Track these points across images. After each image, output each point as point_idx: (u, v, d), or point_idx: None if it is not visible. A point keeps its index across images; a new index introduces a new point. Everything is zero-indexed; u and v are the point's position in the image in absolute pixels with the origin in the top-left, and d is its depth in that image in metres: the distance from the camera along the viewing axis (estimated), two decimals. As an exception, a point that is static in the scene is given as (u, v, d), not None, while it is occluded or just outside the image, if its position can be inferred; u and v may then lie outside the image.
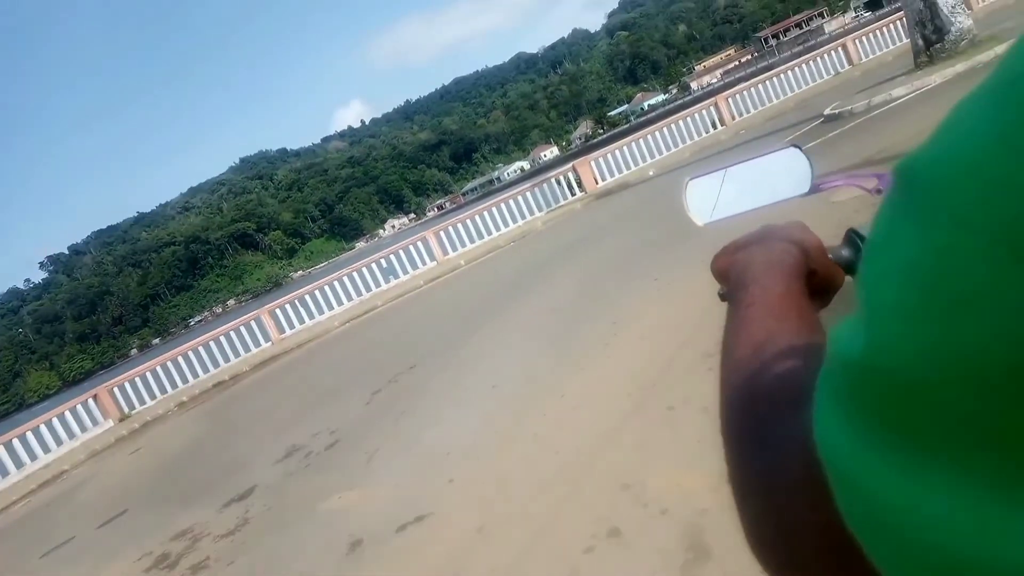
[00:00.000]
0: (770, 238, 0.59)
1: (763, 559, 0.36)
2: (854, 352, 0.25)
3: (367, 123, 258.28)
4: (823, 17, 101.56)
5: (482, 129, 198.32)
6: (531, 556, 2.86)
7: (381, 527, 3.68)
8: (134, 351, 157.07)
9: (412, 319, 12.18)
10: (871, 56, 20.66)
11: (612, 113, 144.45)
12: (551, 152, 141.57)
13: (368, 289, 16.63)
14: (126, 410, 14.55)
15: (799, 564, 0.34)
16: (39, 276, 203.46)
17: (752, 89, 20.47)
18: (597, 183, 18.88)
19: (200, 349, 15.45)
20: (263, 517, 4.76)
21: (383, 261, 17.08)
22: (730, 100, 20.37)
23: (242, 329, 15.74)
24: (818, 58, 20.87)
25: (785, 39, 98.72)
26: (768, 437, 0.37)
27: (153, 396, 14.92)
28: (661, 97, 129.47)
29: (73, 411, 14.08)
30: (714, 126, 20.03)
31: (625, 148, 19.49)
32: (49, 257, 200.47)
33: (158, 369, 15.21)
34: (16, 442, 13.05)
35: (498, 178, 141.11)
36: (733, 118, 20.00)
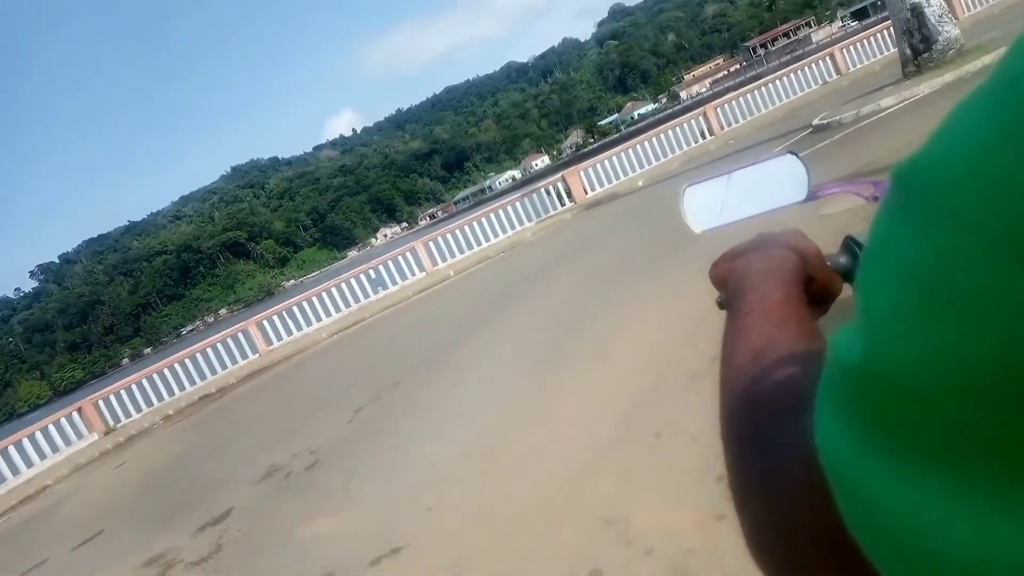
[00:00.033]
0: (768, 245, 0.58)
1: (764, 564, 0.36)
2: (853, 358, 0.25)
3: (359, 132, 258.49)
4: (810, 27, 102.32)
5: (473, 138, 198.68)
6: (509, 595, 2.74)
7: (356, 558, 3.55)
8: (125, 360, 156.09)
9: (399, 332, 12.07)
10: (859, 65, 20.75)
11: (602, 122, 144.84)
12: (542, 161, 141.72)
13: (356, 300, 16.49)
14: (111, 423, 14.35)
15: (800, 567, 0.34)
16: (29, 285, 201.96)
17: (741, 99, 20.51)
18: (586, 193, 18.83)
19: (187, 361, 15.27)
20: (237, 543, 4.63)
21: (372, 272, 16.95)
22: (719, 110, 20.39)
23: (229, 341, 15.58)
24: (806, 68, 20.95)
25: (773, 48, 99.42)
26: (768, 443, 0.37)
27: (139, 409, 14.73)
28: (651, 106, 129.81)
29: (57, 424, 13.88)
30: (703, 136, 20.03)
31: (614, 158, 19.46)
32: (39, 266, 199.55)
33: (144, 382, 15.02)
34: (-2, 457, 12.85)
35: (490, 187, 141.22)
36: (722, 128, 20.01)
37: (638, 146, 19.59)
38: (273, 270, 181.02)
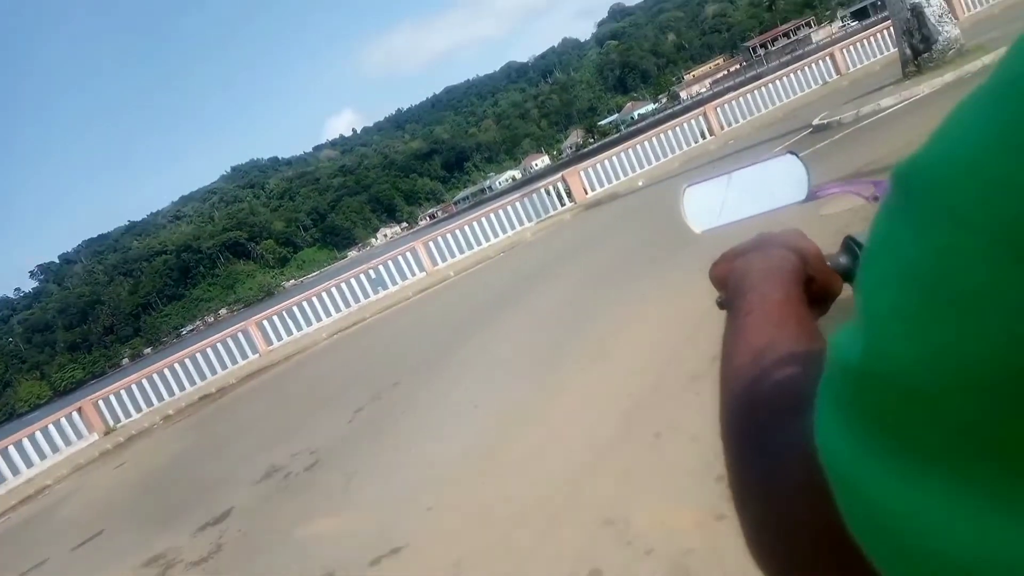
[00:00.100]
0: (768, 245, 0.59)
1: (764, 564, 0.36)
2: (853, 358, 0.25)
3: (358, 132, 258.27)
4: (810, 27, 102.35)
5: (473, 138, 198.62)
6: (508, 595, 2.73)
7: (356, 558, 3.55)
8: (125, 360, 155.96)
9: (399, 332, 12.07)
10: (859, 65, 20.74)
11: (602, 122, 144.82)
12: (542, 161, 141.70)
13: (356, 300, 16.49)
14: (111, 423, 14.34)
15: (800, 567, 0.34)
16: (29, 285, 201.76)
17: (741, 99, 20.50)
18: (586, 193, 18.83)
19: (187, 361, 15.27)
20: (237, 543, 4.63)
21: (372, 272, 16.95)
22: (719, 110, 20.38)
23: (229, 341, 15.58)
24: (806, 68, 20.94)
25: (773, 49, 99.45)
26: (768, 443, 0.37)
27: (139, 409, 14.72)
28: (651, 106, 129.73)
29: (57, 424, 13.87)
30: (703, 136, 20.02)
31: (614, 158, 19.45)
32: (39, 266, 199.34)
33: (144, 382, 15.02)
34: (-2, 457, 12.85)
35: (490, 187, 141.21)
36: (722, 128, 20.01)
37: (638, 146, 19.58)
38: (273, 270, 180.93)
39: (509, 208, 18.24)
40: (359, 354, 11.48)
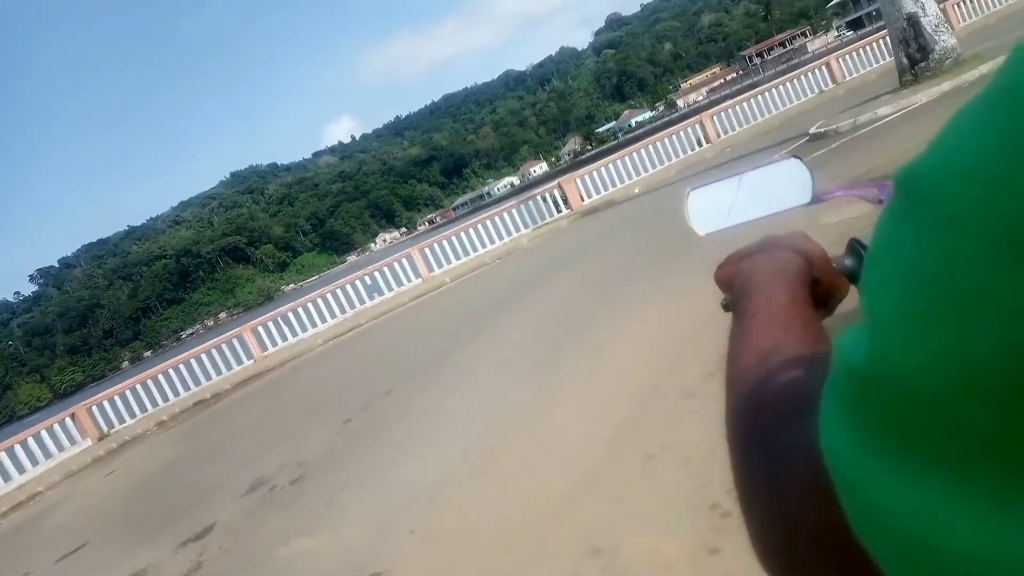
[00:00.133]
0: (773, 247, 0.59)
1: (768, 564, 0.37)
2: (858, 360, 0.25)
3: (357, 138, 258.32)
4: (806, 36, 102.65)
5: (472, 145, 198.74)
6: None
7: (337, 579, 3.47)
8: (125, 364, 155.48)
9: (394, 339, 12.02)
10: (855, 74, 20.78)
11: (600, 130, 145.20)
12: (540, 168, 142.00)
13: (352, 306, 16.44)
14: (105, 429, 14.26)
15: (805, 568, 0.34)
16: (29, 289, 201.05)
17: (737, 107, 20.51)
18: (583, 200, 18.80)
19: (181, 367, 15.21)
20: (217, 561, 4.55)
21: (367, 278, 16.91)
22: (715, 118, 20.40)
23: (224, 347, 15.53)
24: (802, 76, 20.97)
25: (769, 57, 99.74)
26: (774, 445, 0.38)
27: (133, 415, 14.66)
28: (648, 114, 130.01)
29: (50, 430, 13.81)
30: (699, 144, 20.02)
31: (611, 165, 19.44)
32: (39, 270, 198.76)
33: (139, 387, 14.96)
34: (-10, 463, 12.77)
35: (488, 193, 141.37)
36: (718, 136, 20.01)
37: (635, 153, 19.57)
38: (273, 274, 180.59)
39: (505, 215, 18.21)
40: (353, 361, 11.43)
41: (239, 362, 15.49)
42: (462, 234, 17.74)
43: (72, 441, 13.95)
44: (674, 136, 19.90)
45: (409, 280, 16.99)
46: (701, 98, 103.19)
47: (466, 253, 17.55)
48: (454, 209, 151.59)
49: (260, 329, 15.97)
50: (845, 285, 0.59)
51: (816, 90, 20.59)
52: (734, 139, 19.19)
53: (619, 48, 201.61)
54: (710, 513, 2.58)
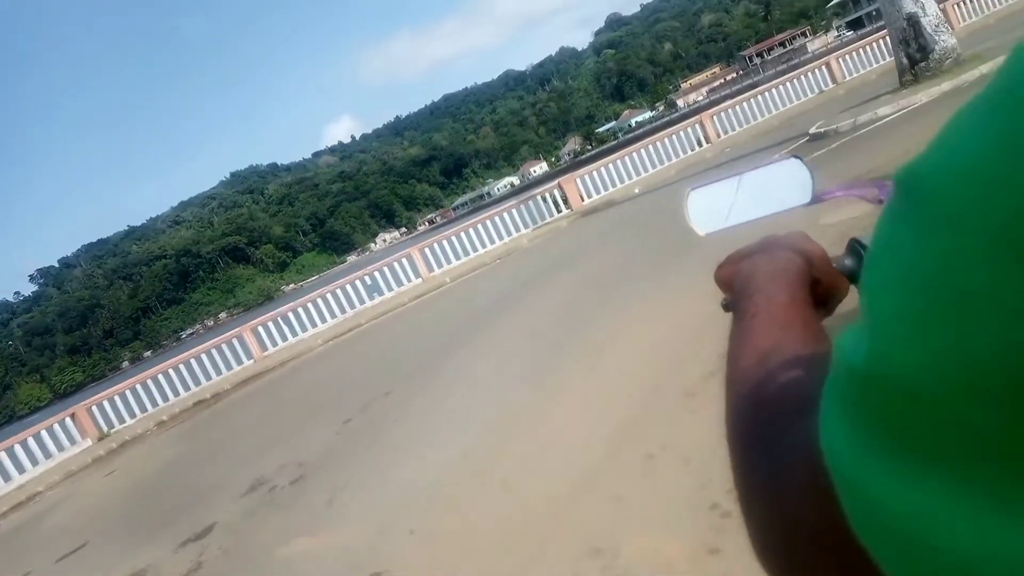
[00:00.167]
0: (773, 247, 0.59)
1: (768, 564, 0.37)
2: (858, 360, 0.25)
3: (357, 139, 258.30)
4: (806, 36, 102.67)
5: (472, 145, 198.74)
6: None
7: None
8: (125, 363, 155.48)
9: (393, 339, 12.02)
10: (855, 74, 20.77)
11: (600, 130, 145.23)
12: (540, 168, 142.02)
13: (352, 307, 16.43)
14: (105, 429, 14.27)
15: (805, 568, 0.34)
16: (29, 289, 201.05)
17: (737, 107, 20.51)
18: (583, 200, 18.80)
19: (181, 367, 15.21)
20: (217, 561, 4.55)
21: (367, 278, 16.91)
22: (715, 118, 20.39)
23: (224, 347, 15.53)
24: (802, 76, 20.96)
25: (769, 57, 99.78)
26: (774, 445, 0.38)
27: (133, 415, 14.65)
28: (648, 114, 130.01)
29: (50, 430, 13.81)
30: (699, 144, 20.02)
31: (611, 165, 19.43)
32: (39, 270, 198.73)
33: (139, 387, 14.96)
34: (-10, 463, 12.77)
35: (488, 193, 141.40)
36: (718, 135, 20.01)
37: (635, 153, 19.57)
38: (273, 274, 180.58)
39: (505, 215, 18.20)
40: (353, 361, 11.43)
41: (239, 362, 15.49)
42: (462, 234, 17.74)
43: (72, 441, 13.96)
44: (674, 136, 19.90)
45: (409, 280, 16.99)
46: (701, 98, 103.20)
47: (466, 253, 17.55)
48: (454, 209, 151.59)
49: (260, 329, 15.97)
50: (845, 285, 0.59)
51: (816, 90, 20.59)
52: (734, 139, 19.19)
53: (619, 48, 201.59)
54: (710, 513, 2.58)
